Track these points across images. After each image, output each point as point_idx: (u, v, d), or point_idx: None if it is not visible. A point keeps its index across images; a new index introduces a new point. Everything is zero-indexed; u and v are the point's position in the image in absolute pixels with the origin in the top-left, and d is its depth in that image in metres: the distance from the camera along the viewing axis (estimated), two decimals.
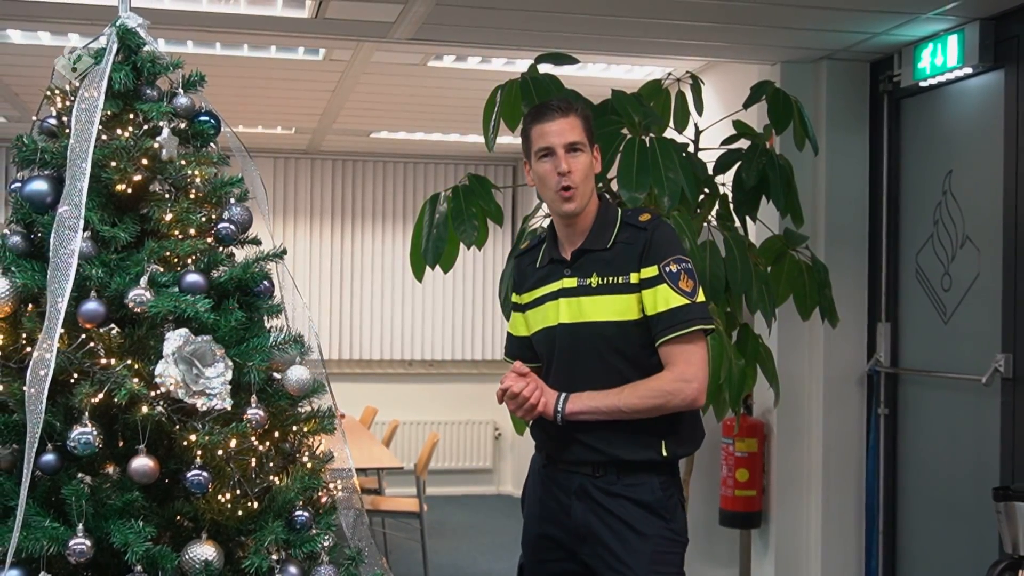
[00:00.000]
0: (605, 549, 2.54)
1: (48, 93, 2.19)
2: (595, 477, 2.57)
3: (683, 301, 2.50)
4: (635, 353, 2.55)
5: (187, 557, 1.94)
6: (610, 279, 2.56)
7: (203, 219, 2.14)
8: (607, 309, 2.55)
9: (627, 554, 2.51)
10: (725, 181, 4.02)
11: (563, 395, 2.53)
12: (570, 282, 2.62)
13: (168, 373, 1.93)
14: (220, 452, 1.96)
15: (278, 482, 2.10)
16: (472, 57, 5.21)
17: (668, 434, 2.56)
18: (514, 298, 2.83)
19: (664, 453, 2.55)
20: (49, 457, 1.92)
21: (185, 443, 1.95)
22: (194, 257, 2.10)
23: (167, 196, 2.12)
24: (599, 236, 2.61)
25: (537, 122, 2.61)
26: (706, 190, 3.93)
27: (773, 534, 4.73)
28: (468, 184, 3.87)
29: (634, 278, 2.53)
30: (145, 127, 2.12)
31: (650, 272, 2.52)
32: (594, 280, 2.58)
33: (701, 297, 2.56)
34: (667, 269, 2.52)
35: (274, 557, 2.00)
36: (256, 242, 2.26)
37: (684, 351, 2.51)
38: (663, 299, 2.51)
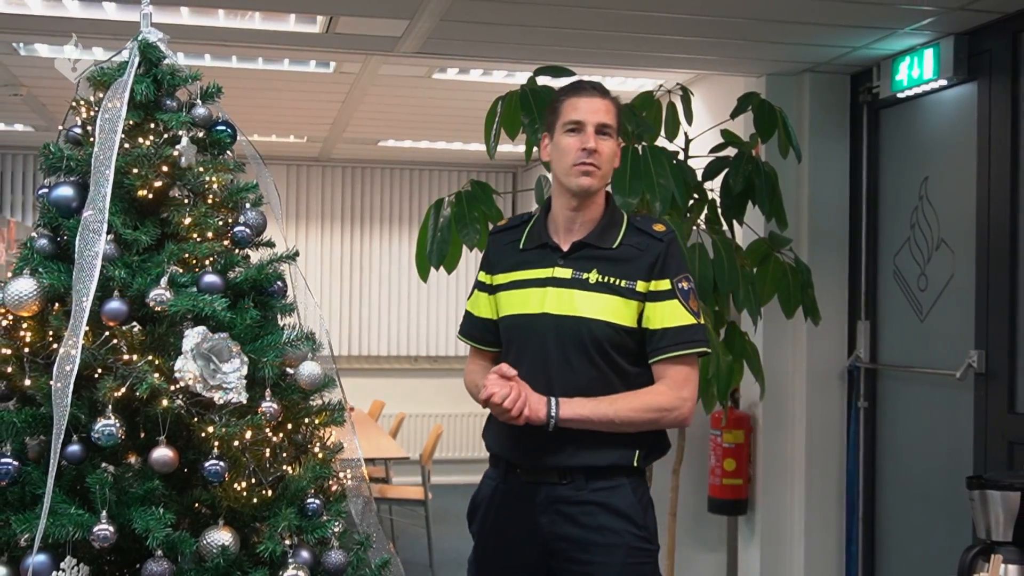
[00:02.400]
0: (575, 562, 2.33)
1: (73, 104, 2.19)
2: (562, 484, 2.34)
3: (691, 320, 2.35)
4: (619, 358, 2.35)
5: (205, 542, 1.94)
6: (612, 279, 2.35)
7: (220, 223, 2.14)
8: (602, 308, 2.34)
9: (598, 566, 2.31)
10: (713, 187, 4.02)
11: (555, 400, 2.28)
12: (563, 272, 2.38)
13: (187, 368, 1.93)
14: (236, 443, 1.96)
15: (291, 471, 2.10)
16: (474, 70, 5.21)
17: (642, 443, 2.37)
18: (481, 276, 2.55)
19: (635, 464, 2.37)
20: (74, 448, 1.92)
21: (203, 434, 1.95)
22: (211, 259, 2.09)
23: (186, 201, 2.11)
24: (605, 233, 2.39)
25: (572, 95, 2.38)
26: (695, 195, 3.93)
27: (759, 520, 4.73)
28: (470, 190, 3.87)
29: (641, 287, 2.34)
30: (165, 136, 2.12)
31: (662, 285, 2.34)
32: (593, 276, 2.35)
33: (703, 319, 2.41)
34: (680, 286, 2.35)
35: (287, 542, 2.00)
36: (270, 245, 2.26)
37: (683, 370, 2.35)
38: (671, 315, 2.34)
